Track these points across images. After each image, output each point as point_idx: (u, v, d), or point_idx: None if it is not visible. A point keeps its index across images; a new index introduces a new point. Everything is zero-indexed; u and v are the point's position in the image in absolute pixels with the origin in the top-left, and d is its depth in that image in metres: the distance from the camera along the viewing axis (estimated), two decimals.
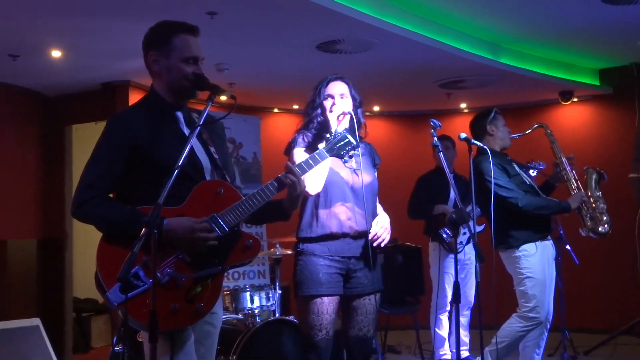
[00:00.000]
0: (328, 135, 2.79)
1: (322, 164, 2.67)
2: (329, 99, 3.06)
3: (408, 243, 5.94)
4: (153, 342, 1.95)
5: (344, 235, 2.99)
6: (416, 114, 7.73)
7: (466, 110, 7.87)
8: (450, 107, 7.65)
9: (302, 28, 4.86)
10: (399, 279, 5.76)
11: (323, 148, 2.63)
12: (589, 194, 4.43)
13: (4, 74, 5.72)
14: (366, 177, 3.09)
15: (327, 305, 2.95)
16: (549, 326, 4.27)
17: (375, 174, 3.23)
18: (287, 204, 2.51)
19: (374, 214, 3.10)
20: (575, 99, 7.20)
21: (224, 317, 4.25)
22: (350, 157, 2.71)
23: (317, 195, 2.98)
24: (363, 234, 3.02)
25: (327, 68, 5.72)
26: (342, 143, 2.65)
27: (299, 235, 3.05)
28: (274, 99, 7.19)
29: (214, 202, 2.32)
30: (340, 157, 2.67)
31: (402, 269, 5.78)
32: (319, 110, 3.07)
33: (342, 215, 2.98)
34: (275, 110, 7.53)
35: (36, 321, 3.52)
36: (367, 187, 3.07)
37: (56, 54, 5.14)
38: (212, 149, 2.49)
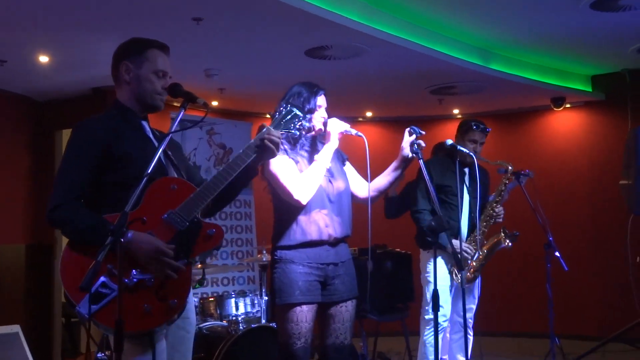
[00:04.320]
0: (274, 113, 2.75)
1: (318, 171, 2.84)
2: (319, 109, 3.08)
3: (397, 249, 5.92)
4: (118, 351, 1.93)
5: (322, 242, 2.97)
6: (409, 119, 7.69)
7: (459, 116, 7.86)
8: (443, 113, 7.64)
9: (289, 34, 4.85)
10: (389, 285, 5.73)
11: (270, 126, 2.58)
12: (472, 245, 4.37)
13: None
14: (341, 183, 3.09)
15: (306, 314, 2.92)
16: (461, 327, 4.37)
17: (350, 168, 3.22)
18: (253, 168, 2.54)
19: (350, 220, 3.10)
20: (567, 105, 7.19)
21: (208, 324, 4.24)
22: (298, 130, 2.67)
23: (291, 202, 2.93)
24: (340, 241, 3.04)
25: (317, 74, 5.75)
26: (289, 117, 2.62)
27: (277, 242, 3.00)
28: (266, 104, 7.16)
29: (169, 198, 2.33)
30: (289, 130, 2.62)
31: (392, 275, 5.75)
32: (311, 116, 3.04)
33: (320, 222, 2.97)
34: (268, 115, 7.49)
35: (16, 328, 3.50)
36: (343, 193, 3.08)
37: (43, 59, 5.13)
38: (172, 157, 2.54)
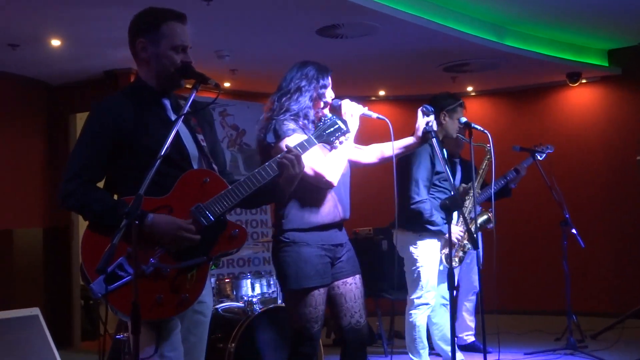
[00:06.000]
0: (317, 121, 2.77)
1: (345, 153, 2.81)
2: (329, 88, 3.03)
3: None
4: (135, 334, 1.94)
5: (333, 224, 2.97)
6: (422, 98, 7.57)
7: (473, 94, 7.79)
8: (457, 90, 7.54)
9: (300, 13, 4.81)
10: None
11: (312, 135, 2.58)
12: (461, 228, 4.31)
13: (5, 64, 5.73)
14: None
15: (322, 296, 2.92)
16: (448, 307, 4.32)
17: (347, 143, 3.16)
18: (284, 183, 2.46)
19: (349, 202, 3.10)
20: (583, 81, 7.09)
21: (224, 305, 4.26)
22: (341, 142, 2.67)
23: (305, 185, 2.83)
24: (344, 221, 3.06)
25: (329, 53, 5.71)
26: (331, 129, 2.62)
27: (288, 225, 2.93)
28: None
29: (199, 191, 2.29)
30: (330, 143, 2.63)
31: None
32: (324, 91, 2.98)
33: (333, 203, 2.97)
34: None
35: (35, 311, 3.53)
36: (345, 175, 3.06)
37: (55, 42, 5.13)
38: (200, 137, 2.46)
